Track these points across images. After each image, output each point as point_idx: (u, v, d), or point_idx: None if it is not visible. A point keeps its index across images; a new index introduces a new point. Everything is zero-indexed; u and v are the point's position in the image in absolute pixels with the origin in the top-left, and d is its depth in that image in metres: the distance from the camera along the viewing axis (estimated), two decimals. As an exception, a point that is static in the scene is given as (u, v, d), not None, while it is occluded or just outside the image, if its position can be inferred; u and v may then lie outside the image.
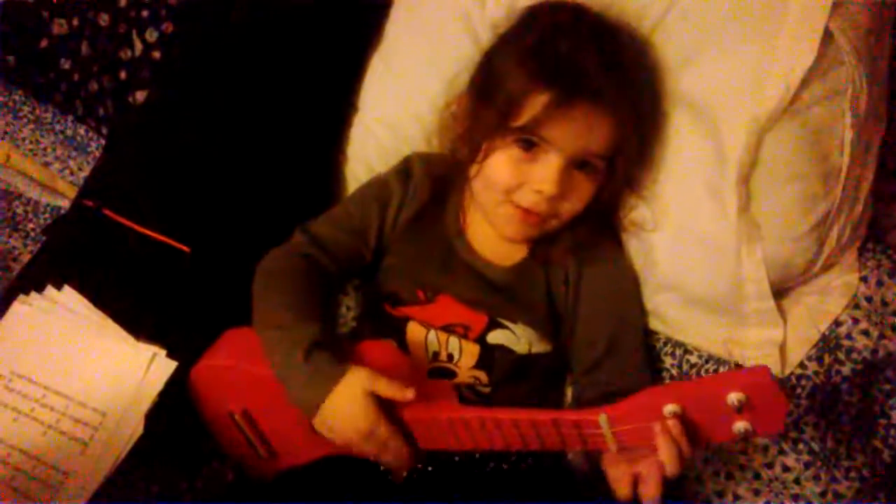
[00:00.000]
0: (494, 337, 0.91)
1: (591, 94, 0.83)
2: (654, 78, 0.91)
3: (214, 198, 1.01)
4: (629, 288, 0.96)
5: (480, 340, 0.92)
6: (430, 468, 0.85)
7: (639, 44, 0.91)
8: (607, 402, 0.71)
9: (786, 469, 0.86)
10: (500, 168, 0.88)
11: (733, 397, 0.64)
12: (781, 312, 0.90)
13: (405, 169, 1.01)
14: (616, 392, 0.84)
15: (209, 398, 0.91)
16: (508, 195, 0.89)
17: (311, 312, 0.87)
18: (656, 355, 0.99)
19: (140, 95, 1.20)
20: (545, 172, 0.85)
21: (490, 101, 0.88)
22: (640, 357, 0.94)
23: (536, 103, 0.83)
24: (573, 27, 0.87)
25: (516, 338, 0.92)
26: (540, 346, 0.94)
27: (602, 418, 0.70)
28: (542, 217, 0.89)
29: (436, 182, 0.99)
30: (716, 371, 0.94)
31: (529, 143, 0.86)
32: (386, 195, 0.99)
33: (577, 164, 0.87)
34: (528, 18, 0.91)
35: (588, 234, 0.94)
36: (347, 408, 0.79)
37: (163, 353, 0.90)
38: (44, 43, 1.28)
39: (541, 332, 0.93)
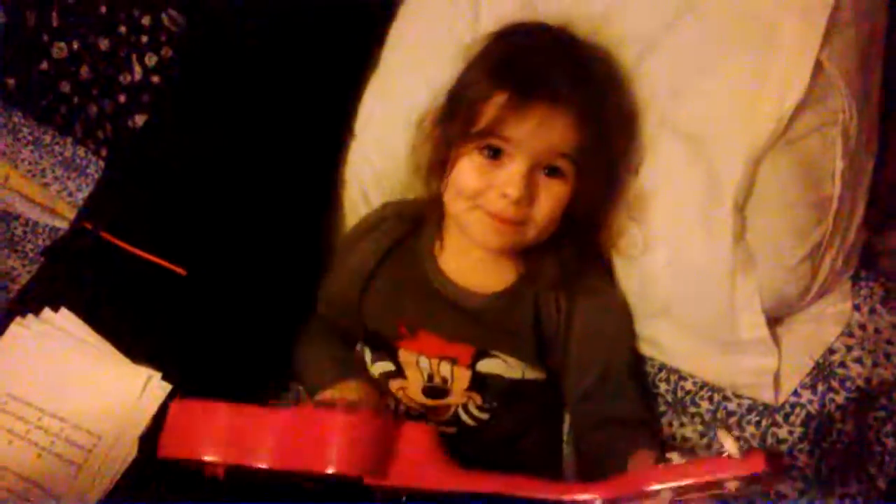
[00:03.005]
0: (485, 365, 0.91)
1: (548, 94, 0.83)
2: (633, 96, 0.93)
3: (212, 221, 1.01)
4: (621, 320, 0.95)
5: (471, 367, 0.92)
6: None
7: (605, 57, 0.93)
8: (604, 432, 0.71)
9: (780, 496, 0.86)
10: (465, 174, 0.88)
11: (731, 485, 0.63)
12: (775, 340, 0.90)
13: (378, 217, 1.04)
14: (612, 418, 0.84)
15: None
16: (476, 200, 0.88)
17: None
18: (650, 381, 0.99)
19: (139, 119, 1.21)
20: (509, 175, 0.85)
21: (454, 110, 0.90)
22: (633, 386, 0.94)
23: (494, 105, 0.84)
24: (537, 36, 0.89)
25: (507, 365, 0.92)
26: (533, 373, 0.94)
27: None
28: (512, 223, 0.88)
29: (408, 222, 1.00)
30: (710, 398, 0.94)
31: (494, 150, 0.86)
32: (358, 259, 1.01)
33: (544, 168, 0.86)
34: (498, 33, 0.93)
35: (576, 256, 0.93)
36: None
37: (157, 375, 0.90)
38: (44, 65, 1.29)
39: (530, 360, 0.93)
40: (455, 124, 0.89)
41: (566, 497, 0.70)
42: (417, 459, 0.73)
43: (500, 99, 0.84)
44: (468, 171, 0.88)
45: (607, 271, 0.97)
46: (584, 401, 0.93)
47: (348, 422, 0.73)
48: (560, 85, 0.84)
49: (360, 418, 0.74)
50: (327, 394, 0.90)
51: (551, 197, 0.87)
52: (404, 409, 0.94)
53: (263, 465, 0.72)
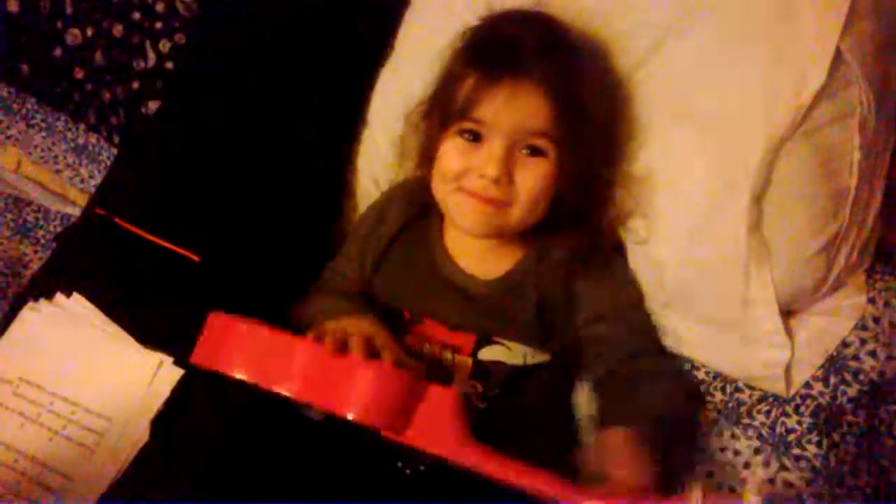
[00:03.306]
0: (486, 353, 0.91)
1: (516, 69, 0.84)
2: (645, 85, 0.93)
3: (225, 208, 1.01)
4: (632, 291, 0.95)
5: (473, 356, 0.92)
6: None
7: (595, 43, 0.93)
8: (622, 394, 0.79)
9: (788, 486, 0.86)
10: (447, 157, 0.89)
11: None
12: (789, 333, 0.90)
13: (386, 199, 1.04)
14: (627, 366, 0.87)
15: None
16: (458, 182, 0.88)
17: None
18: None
19: (152, 105, 1.21)
20: (487, 154, 0.86)
21: (436, 97, 0.92)
22: (644, 319, 0.95)
23: (467, 86, 0.86)
24: (517, 19, 0.90)
25: (510, 351, 0.91)
26: (536, 357, 0.93)
27: None
28: (495, 203, 0.87)
29: (416, 205, 0.99)
30: (723, 388, 0.94)
31: (473, 133, 0.87)
32: (370, 226, 1.01)
33: (523, 147, 0.86)
34: (484, 19, 0.93)
35: (579, 240, 0.93)
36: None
37: (169, 360, 0.90)
38: (57, 52, 1.29)
39: (533, 344, 0.92)
40: (435, 112, 0.91)
41: (567, 500, 0.71)
42: (437, 423, 0.74)
43: (470, 79, 0.86)
44: (449, 153, 0.89)
45: (620, 257, 0.97)
46: (599, 350, 0.93)
47: (379, 373, 0.74)
48: (526, 62, 0.84)
49: (391, 372, 0.75)
50: (340, 321, 0.88)
51: (533, 175, 0.87)
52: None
53: (287, 394, 0.73)
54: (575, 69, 0.88)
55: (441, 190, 0.91)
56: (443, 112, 0.89)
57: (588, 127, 0.88)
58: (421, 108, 0.96)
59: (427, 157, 0.94)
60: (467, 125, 0.87)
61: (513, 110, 0.84)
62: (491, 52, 0.87)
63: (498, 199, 0.87)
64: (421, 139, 0.96)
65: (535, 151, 0.87)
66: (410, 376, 0.75)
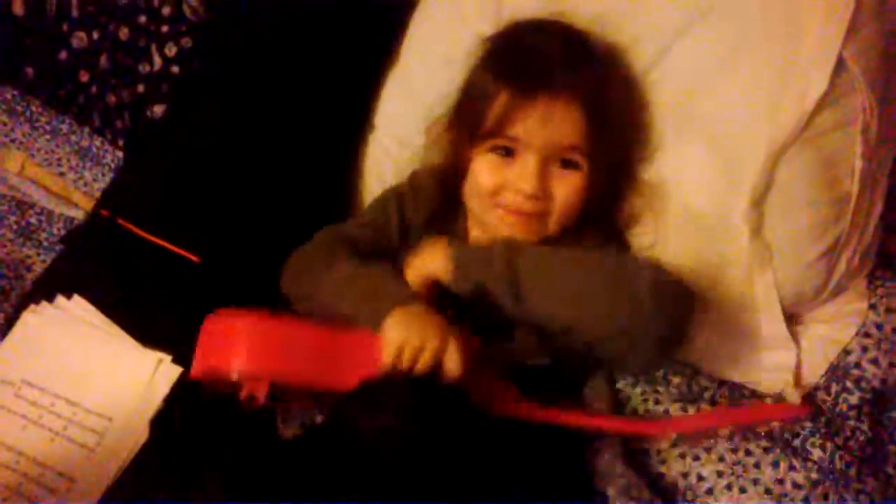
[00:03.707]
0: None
1: (547, 88, 0.84)
2: (653, 90, 0.93)
3: (228, 210, 1.02)
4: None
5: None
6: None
7: (609, 48, 0.93)
8: None
9: (796, 486, 0.86)
10: (481, 174, 0.89)
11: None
12: (793, 339, 0.91)
13: (410, 184, 1.01)
14: None
15: None
16: (494, 198, 0.89)
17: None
18: (660, 376, 0.98)
19: (158, 109, 1.22)
20: (522, 171, 0.86)
21: (462, 113, 0.92)
22: None
23: (498, 105, 0.85)
24: (536, 33, 0.90)
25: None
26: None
27: None
28: (532, 217, 0.89)
29: (444, 190, 0.98)
30: (729, 396, 0.95)
31: (506, 149, 0.87)
32: (400, 200, 0.99)
33: (557, 160, 0.87)
34: (506, 28, 0.93)
35: (593, 242, 0.92)
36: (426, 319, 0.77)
37: (168, 359, 0.90)
38: (63, 55, 1.29)
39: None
40: (464, 127, 0.91)
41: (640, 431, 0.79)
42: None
43: (502, 98, 0.85)
44: (483, 171, 0.89)
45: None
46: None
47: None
48: (559, 78, 0.84)
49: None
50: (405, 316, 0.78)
51: (567, 187, 0.88)
52: None
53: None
54: (602, 80, 0.88)
55: (477, 206, 0.92)
56: (472, 128, 0.88)
57: (616, 136, 0.89)
58: (443, 121, 0.96)
59: (454, 169, 0.93)
60: (501, 142, 0.87)
61: (547, 127, 0.85)
62: (521, 68, 0.86)
63: (536, 212, 0.88)
64: (446, 152, 0.95)
65: (569, 164, 0.87)
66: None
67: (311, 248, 0.93)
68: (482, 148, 0.88)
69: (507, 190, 0.88)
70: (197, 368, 0.78)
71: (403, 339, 0.74)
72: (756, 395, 0.93)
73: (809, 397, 0.89)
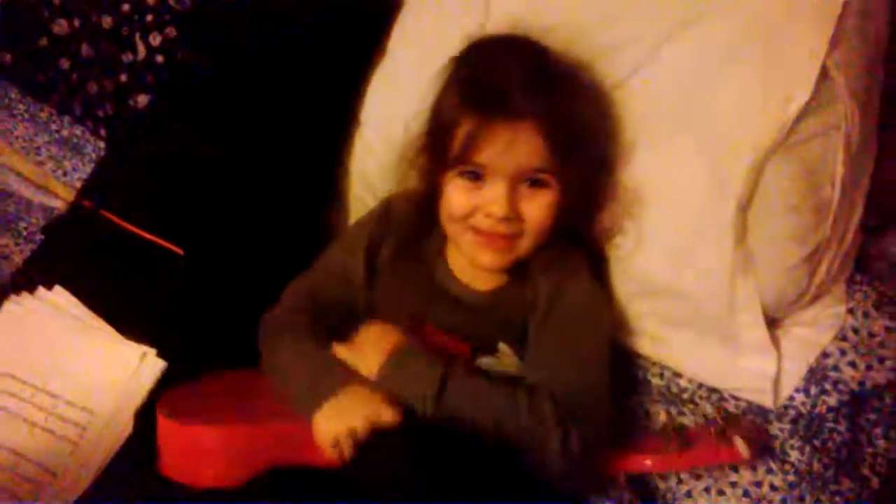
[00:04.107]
0: (482, 362, 0.91)
1: (510, 113, 0.85)
2: (635, 98, 0.94)
3: (212, 203, 1.01)
4: (588, 330, 0.92)
5: (469, 363, 0.92)
6: None
7: (577, 64, 0.94)
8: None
9: (773, 488, 0.88)
10: (452, 198, 0.90)
11: None
12: (773, 343, 0.92)
13: (385, 210, 1.02)
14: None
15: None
16: (466, 221, 0.90)
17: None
18: (643, 377, 1.00)
19: (141, 99, 1.21)
20: (492, 195, 0.87)
21: (431, 138, 0.93)
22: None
23: (463, 131, 0.86)
24: (503, 54, 0.90)
25: (502, 363, 0.92)
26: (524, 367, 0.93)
27: None
28: (505, 238, 0.90)
29: (417, 217, 0.99)
30: (707, 398, 0.96)
31: (474, 174, 0.88)
32: (368, 239, 1.00)
33: (525, 181, 0.88)
34: (469, 50, 0.94)
35: (559, 253, 0.93)
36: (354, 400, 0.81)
37: (153, 352, 0.91)
38: (43, 42, 1.28)
39: (523, 353, 0.92)
40: (434, 152, 0.92)
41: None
42: None
43: (466, 125, 0.86)
44: (454, 195, 0.90)
45: (598, 267, 0.97)
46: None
47: None
48: (519, 104, 0.85)
49: None
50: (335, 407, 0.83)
51: (538, 206, 0.89)
52: None
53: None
54: (566, 99, 0.89)
55: (452, 230, 0.93)
56: (441, 154, 0.89)
57: (585, 151, 0.90)
58: (417, 144, 0.96)
59: (429, 190, 0.94)
60: (469, 168, 0.88)
61: (512, 152, 0.86)
62: (483, 95, 0.86)
63: (509, 234, 0.89)
64: (420, 173, 0.96)
65: (537, 183, 0.88)
66: None
67: (277, 309, 0.96)
68: (452, 173, 0.90)
69: (479, 212, 0.89)
70: (164, 472, 0.79)
71: (333, 433, 0.78)
72: (735, 397, 0.95)
73: (761, 437, 0.91)
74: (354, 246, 1.00)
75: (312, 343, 0.89)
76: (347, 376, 0.85)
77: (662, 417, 0.93)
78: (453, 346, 0.91)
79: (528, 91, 0.85)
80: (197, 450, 0.78)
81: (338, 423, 0.78)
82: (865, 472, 0.88)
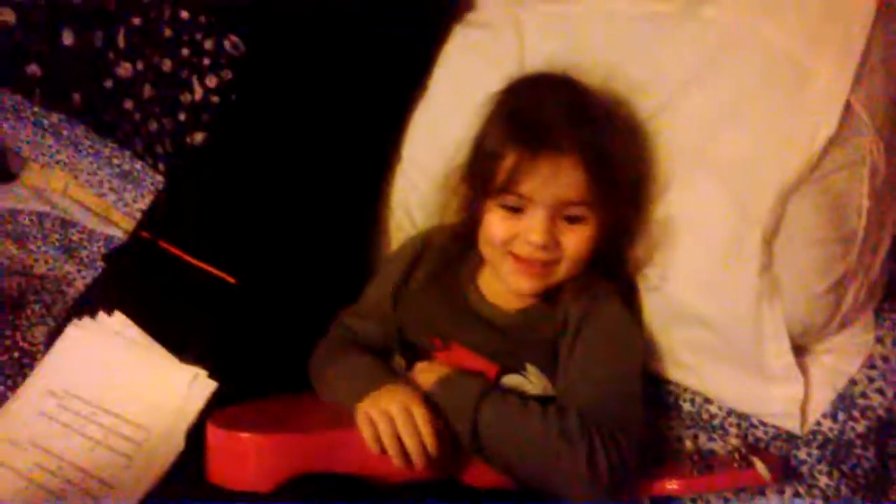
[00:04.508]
0: (508, 380, 0.94)
1: (553, 147, 0.89)
2: (663, 134, 0.98)
3: (263, 234, 1.07)
4: (620, 352, 0.95)
5: (496, 382, 0.94)
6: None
7: (614, 102, 0.98)
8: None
9: (802, 511, 0.90)
10: (493, 227, 0.94)
11: None
12: (801, 370, 0.93)
13: (422, 241, 1.08)
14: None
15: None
16: (506, 247, 0.94)
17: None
18: (673, 402, 1.02)
19: (198, 136, 1.27)
20: (532, 223, 0.91)
21: (474, 167, 0.97)
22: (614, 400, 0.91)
23: (508, 163, 0.91)
24: (546, 90, 0.95)
25: (530, 382, 0.94)
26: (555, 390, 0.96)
27: None
28: (542, 265, 0.93)
29: (452, 247, 1.04)
30: (738, 424, 0.97)
31: (516, 205, 0.92)
32: (400, 271, 1.06)
33: (564, 215, 0.92)
34: (513, 86, 0.98)
35: (591, 279, 0.96)
36: (392, 393, 0.86)
37: (204, 373, 0.95)
38: (108, 83, 1.35)
39: (550, 375, 0.95)
40: (476, 181, 0.97)
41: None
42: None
43: (511, 158, 0.91)
44: (494, 223, 0.94)
45: (628, 297, 1.00)
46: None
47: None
48: (562, 139, 0.89)
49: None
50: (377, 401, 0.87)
51: (576, 239, 0.93)
52: None
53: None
54: (605, 135, 0.92)
55: (491, 254, 0.97)
56: (484, 184, 0.94)
57: (621, 186, 0.94)
58: (458, 173, 1.01)
59: (469, 219, 1.00)
60: (510, 200, 0.92)
61: (552, 185, 0.90)
62: (528, 130, 0.91)
63: (546, 261, 0.93)
64: (461, 202, 1.01)
65: (575, 220, 0.92)
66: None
67: (324, 342, 1.03)
68: (494, 202, 0.94)
69: (518, 240, 0.93)
70: (211, 478, 0.84)
71: (368, 414, 0.83)
72: (763, 423, 0.96)
73: (782, 462, 0.92)
74: (387, 280, 1.06)
75: (357, 354, 0.97)
76: (390, 375, 0.92)
77: (689, 444, 0.95)
78: (481, 365, 0.94)
79: (571, 127, 0.90)
80: (240, 455, 0.82)
81: (373, 406, 0.83)
82: (894, 498, 0.89)
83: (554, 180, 0.89)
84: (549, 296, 0.97)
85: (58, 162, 1.44)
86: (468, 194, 0.99)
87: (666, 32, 0.99)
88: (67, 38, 1.37)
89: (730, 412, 0.98)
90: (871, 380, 0.93)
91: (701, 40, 0.96)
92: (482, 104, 0.99)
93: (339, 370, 0.96)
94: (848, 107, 0.86)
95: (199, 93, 1.26)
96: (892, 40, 0.89)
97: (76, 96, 1.40)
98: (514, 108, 0.95)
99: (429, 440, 0.82)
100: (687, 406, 1.01)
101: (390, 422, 0.82)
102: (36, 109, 1.46)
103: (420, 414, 0.83)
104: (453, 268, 1.04)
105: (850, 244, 0.89)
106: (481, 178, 0.95)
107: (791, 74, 0.89)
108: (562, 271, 0.95)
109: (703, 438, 0.98)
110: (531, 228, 0.91)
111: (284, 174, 1.09)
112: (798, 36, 0.90)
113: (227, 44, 1.24)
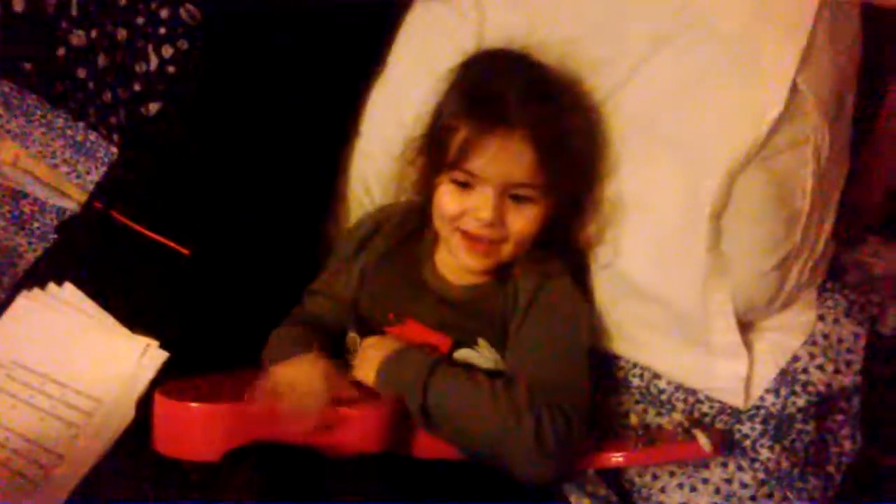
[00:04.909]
0: (460, 355, 0.96)
1: (505, 125, 0.89)
2: (616, 113, 0.99)
3: (218, 206, 1.06)
4: (567, 328, 0.96)
5: (449, 356, 0.96)
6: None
7: (570, 81, 0.99)
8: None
9: (743, 486, 0.92)
10: (443, 201, 0.95)
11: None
12: (745, 347, 0.95)
13: (375, 218, 1.09)
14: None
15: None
16: (455, 223, 0.95)
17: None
18: (622, 378, 1.04)
19: (152, 107, 1.25)
20: (480, 200, 0.92)
21: (429, 141, 0.98)
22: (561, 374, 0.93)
23: (460, 138, 0.91)
24: (503, 66, 0.96)
25: (480, 356, 0.96)
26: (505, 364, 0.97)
27: None
28: (489, 243, 0.94)
29: (408, 222, 1.06)
30: (685, 399, 0.99)
31: (464, 181, 0.93)
32: (352, 249, 1.07)
33: (512, 194, 0.92)
34: (470, 61, 0.99)
35: (541, 257, 0.97)
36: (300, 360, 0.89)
37: (155, 343, 0.95)
38: (61, 52, 1.33)
39: (501, 351, 0.97)
40: (430, 155, 0.97)
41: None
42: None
43: (463, 132, 0.91)
44: (444, 198, 0.95)
45: (579, 275, 1.01)
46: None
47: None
48: (514, 117, 0.90)
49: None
50: (282, 366, 0.90)
51: (523, 218, 0.94)
52: None
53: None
54: (558, 115, 0.93)
55: (442, 229, 0.98)
56: (437, 159, 0.95)
57: (572, 166, 0.95)
58: (416, 145, 1.02)
59: (423, 191, 1.01)
60: (459, 175, 0.93)
61: (501, 164, 0.90)
62: (481, 105, 0.92)
63: (494, 238, 0.94)
64: (418, 176, 1.02)
65: (522, 199, 0.93)
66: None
67: (283, 326, 1.05)
68: (444, 177, 0.95)
69: (466, 216, 0.94)
70: (156, 447, 0.83)
71: (275, 376, 0.85)
72: (709, 398, 0.98)
73: (724, 435, 0.94)
74: (340, 257, 1.08)
75: (289, 326, 1.02)
76: (307, 347, 0.94)
77: (633, 418, 0.97)
78: (435, 339, 0.95)
79: (525, 104, 0.90)
80: (187, 424, 0.82)
81: (282, 373, 0.86)
82: (831, 470, 0.92)
83: (503, 159, 0.90)
84: (501, 272, 0.98)
85: (8, 132, 1.41)
86: (424, 168, 1.00)
87: (627, 9, 1.00)
88: (18, 5, 1.34)
89: (678, 387, 1.00)
90: (812, 356, 0.95)
91: (652, 19, 0.97)
92: (441, 78, 0.99)
93: (272, 342, 1.00)
94: (794, 88, 0.87)
95: (154, 62, 1.25)
96: (838, 21, 0.91)
97: (27, 65, 1.37)
98: (470, 83, 0.96)
99: (311, 400, 0.82)
100: (636, 381, 1.03)
101: (290, 384, 0.83)
102: (-15, 79, 1.42)
103: (318, 378, 0.84)
104: (410, 244, 1.05)
105: (795, 223, 0.92)
106: (435, 151, 0.96)
107: (740, 54, 0.90)
108: (508, 249, 0.95)
109: (651, 413, 1.01)
110: (478, 206, 0.92)
111: (240, 146, 1.09)
112: (746, 15, 0.91)
113: (183, 13, 1.23)
